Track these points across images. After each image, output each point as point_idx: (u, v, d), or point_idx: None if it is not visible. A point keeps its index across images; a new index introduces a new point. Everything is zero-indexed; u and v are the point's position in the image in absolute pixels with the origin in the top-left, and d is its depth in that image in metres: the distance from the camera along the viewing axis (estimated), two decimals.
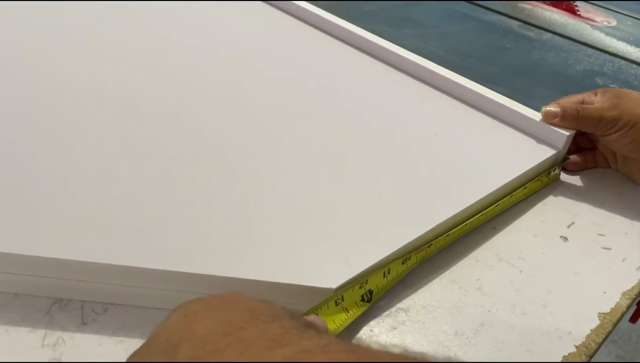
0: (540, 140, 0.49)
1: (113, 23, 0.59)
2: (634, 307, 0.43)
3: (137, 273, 0.31)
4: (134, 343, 0.31)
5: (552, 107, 0.49)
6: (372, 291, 0.34)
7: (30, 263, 0.31)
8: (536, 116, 0.50)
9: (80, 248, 0.32)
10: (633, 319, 0.64)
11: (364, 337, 0.33)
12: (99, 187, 0.37)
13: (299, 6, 0.66)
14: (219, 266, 0.32)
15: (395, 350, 0.24)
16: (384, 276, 0.35)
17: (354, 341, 0.33)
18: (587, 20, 0.94)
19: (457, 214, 0.40)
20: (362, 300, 0.33)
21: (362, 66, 0.59)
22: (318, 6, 0.67)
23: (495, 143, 0.49)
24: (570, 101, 0.50)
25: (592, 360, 0.36)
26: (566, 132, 0.48)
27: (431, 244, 0.38)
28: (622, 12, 1.02)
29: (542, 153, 0.48)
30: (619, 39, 0.88)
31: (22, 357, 0.29)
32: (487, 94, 0.52)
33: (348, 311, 0.32)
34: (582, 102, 0.50)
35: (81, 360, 0.29)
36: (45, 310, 0.32)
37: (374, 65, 0.59)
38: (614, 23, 0.96)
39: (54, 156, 0.39)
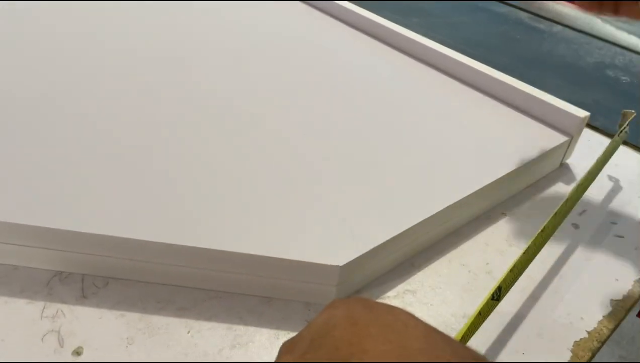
0: (554, 127, 0.48)
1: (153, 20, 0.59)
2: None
3: (140, 245, 0.30)
4: (135, 317, 0.30)
5: None
6: (501, 287, 0.32)
7: (30, 233, 0.30)
8: (551, 99, 0.49)
9: (81, 219, 0.31)
10: None
11: None
12: (105, 159, 0.36)
13: None
14: (224, 241, 0.31)
15: None
16: (511, 271, 0.33)
17: None
18: (597, 14, 0.93)
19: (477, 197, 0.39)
20: (492, 298, 0.32)
21: (372, 50, 0.58)
22: None
23: (508, 129, 0.48)
24: None
25: (595, 360, 0.35)
26: (580, 115, 0.47)
27: (544, 228, 0.36)
28: None
29: (555, 140, 0.47)
30: (629, 33, 0.87)
31: (20, 328, 0.28)
32: (501, 78, 0.51)
33: (481, 314, 0.31)
34: None
35: (81, 331, 0.29)
36: (45, 283, 0.31)
37: (384, 50, 0.58)
38: (624, 18, 0.95)
39: (55, 135, 0.39)
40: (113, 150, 0.37)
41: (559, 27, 0.84)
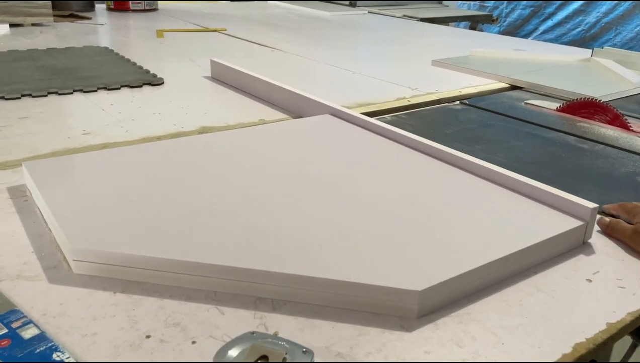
0: (573, 215, 0.68)
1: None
2: None
3: (302, 279, 0.54)
4: (303, 319, 0.53)
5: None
6: None
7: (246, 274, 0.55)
8: (570, 196, 0.69)
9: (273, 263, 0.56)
10: None
11: (442, 321, 0.53)
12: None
13: (394, 131, 0.92)
14: (349, 273, 0.54)
15: None
16: None
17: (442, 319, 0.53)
18: (639, 134, 1.13)
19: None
20: None
21: (442, 172, 0.82)
22: (411, 131, 0.92)
23: (541, 217, 0.68)
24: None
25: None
26: (590, 206, 0.67)
27: None
28: None
29: (574, 223, 0.67)
30: None
31: (245, 323, 0.52)
32: (532, 183, 0.73)
33: None
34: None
35: (275, 326, 0.52)
36: (252, 301, 0.55)
37: (450, 170, 0.82)
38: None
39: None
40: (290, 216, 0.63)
41: (601, 146, 1.05)
